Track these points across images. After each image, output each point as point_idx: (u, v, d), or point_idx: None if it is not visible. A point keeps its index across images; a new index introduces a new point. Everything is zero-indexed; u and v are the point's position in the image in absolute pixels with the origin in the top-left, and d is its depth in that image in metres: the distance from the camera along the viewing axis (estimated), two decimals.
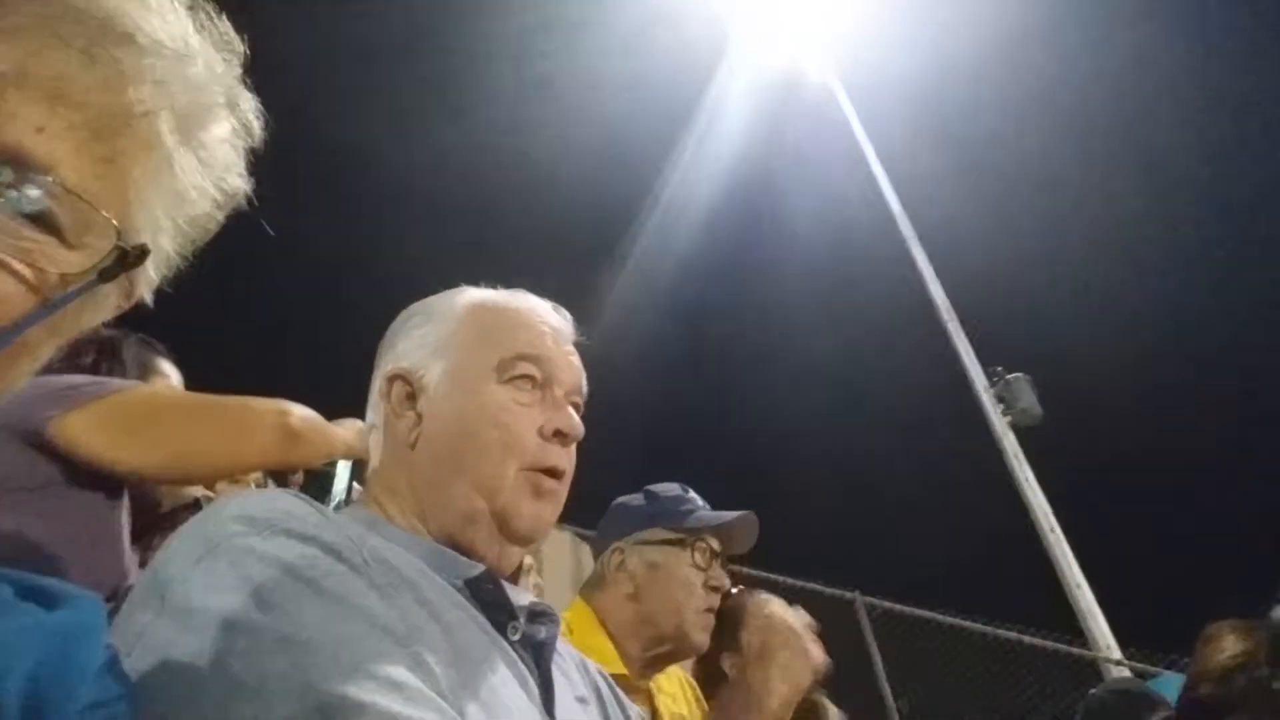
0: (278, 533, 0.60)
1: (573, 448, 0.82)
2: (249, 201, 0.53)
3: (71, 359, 1.14)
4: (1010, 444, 7.32)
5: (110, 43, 0.42)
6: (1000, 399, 7.62)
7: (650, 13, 11.89)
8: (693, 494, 1.52)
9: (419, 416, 0.80)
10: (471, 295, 0.87)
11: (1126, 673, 5.48)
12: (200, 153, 0.48)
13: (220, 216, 0.51)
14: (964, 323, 8.25)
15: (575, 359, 0.85)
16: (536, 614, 0.76)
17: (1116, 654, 5.77)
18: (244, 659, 0.52)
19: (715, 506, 1.53)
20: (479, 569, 0.74)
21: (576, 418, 0.82)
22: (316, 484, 1.25)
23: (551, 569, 5.21)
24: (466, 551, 0.77)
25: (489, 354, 0.80)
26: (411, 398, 0.81)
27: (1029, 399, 7.46)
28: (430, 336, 0.83)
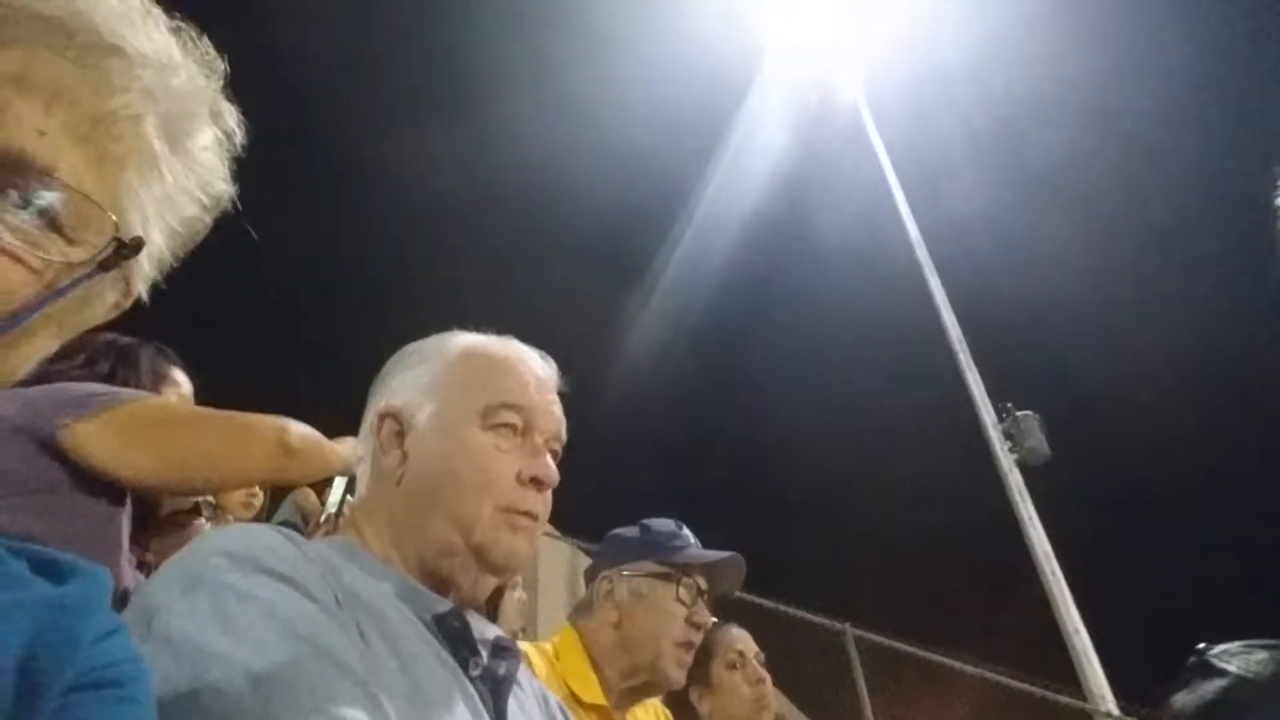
0: (258, 570, 0.64)
1: (548, 493, 0.86)
2: (234, 206, 0.56)
3: (89, 366, 1.19)
4: (1015, 481, 7.28)
5: (99, 54, 0.46)
6: (1008, 436, 7.58)
7: (683, 29, 11.98)
8: (686, 531, 1.55)
9: (405, 455, 0.84)
10: (462, 340, 0.91)
11: None
12: (186, 158, 0.51)
13: (208, 220, 0.54)
14: (977, 357, 8.22)
15: (557, 408, 0.89)
16: (499, 649, 0.80)
17: (1111, 706, 5.71)
18: (214, 690, 0.56)
19: (713, 529, 1.55)
20: (447, 605, 0.78)
21: (553, 466, 0.86)
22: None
23: (549, 579, 5.23)
24: (444, 582, 0.81)
25: (475, 399, 0.84)
26: (400, 435, 0.85)
27: (1037, 437, 7.41)
28: (423, 378, 0.87)
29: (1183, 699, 0.94)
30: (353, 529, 0.85)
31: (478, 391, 0.84)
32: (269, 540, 0.68)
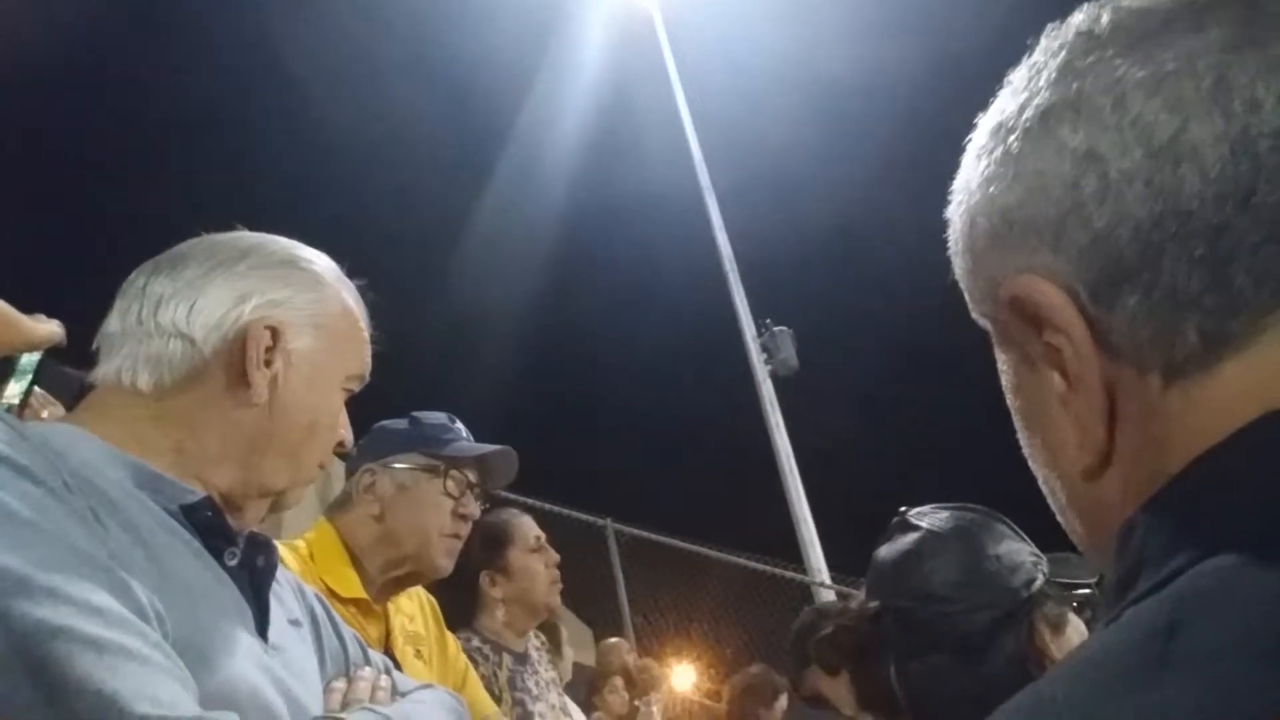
0: None
1: None
2: None
3: None
4: (767, 390, 8.01)
5: None
6: (764, 348, 8.27)
7: None
8: (459, 425, 1.51)
9: (273, 378, 0.76)
10: (346, 292, 0.85)
11: (833, 595, 6.35)
12: None
13: None
14: (745, 275, 8.80)
15: None
16: (254, 542, 0.76)
17: (825, 578, 6.65)
18: None
19: (485, 427, 1.54)
20: (197, 495, 0.71)
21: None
22: None
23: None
24: (235, 509, 0.76)
25: (345, 363, 0.83)
26: (269, 352, 0.76)
27: (789, 350, 8.17)
28: (309, 306, 0.79)
29: (884, 550, 1.12)
30: (99, 415, 0.72)
31: (349, 353, 0.84)
32: None
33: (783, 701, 3.33)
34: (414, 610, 1.55)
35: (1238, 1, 0.34)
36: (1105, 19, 0.37)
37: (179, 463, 0.72)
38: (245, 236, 0.82)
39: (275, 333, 0.76)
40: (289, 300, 0.78)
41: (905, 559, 1.07)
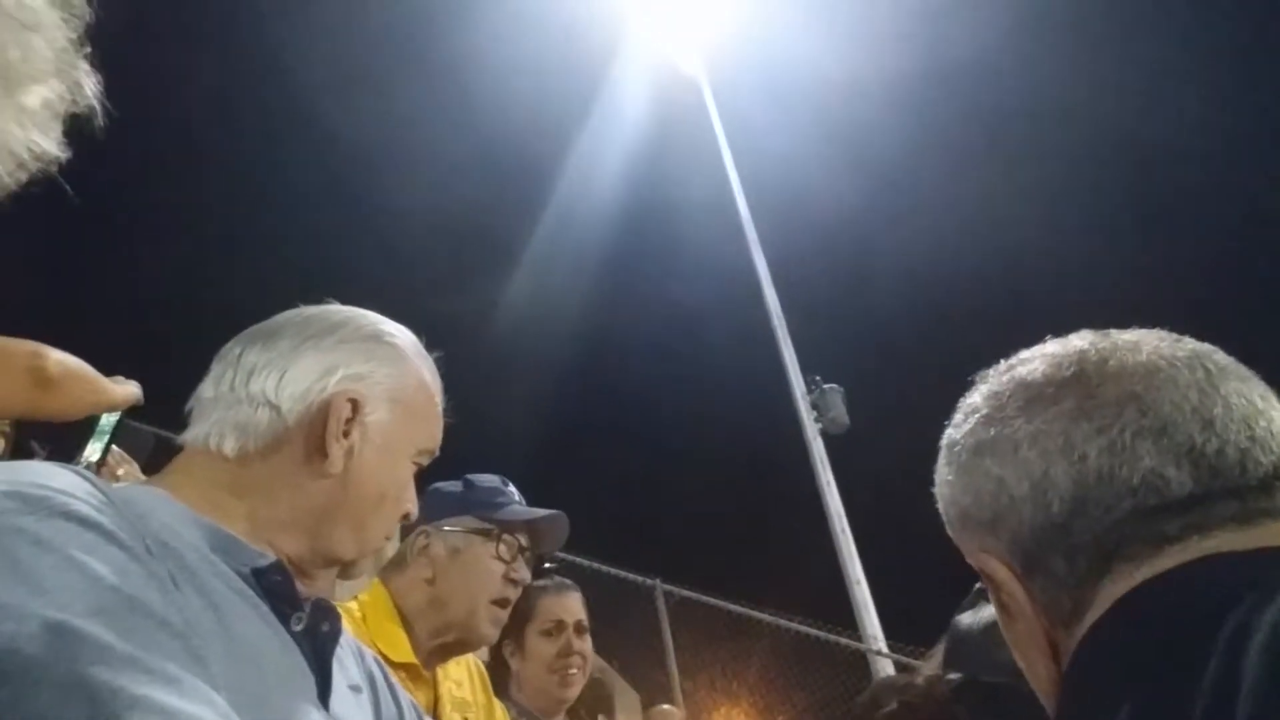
0: (54, 514, 0.57)
1: None
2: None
3: None
4: (818, 449, 7.88)
5: None
6: (814, 406, 8.16)
7: (541, 15, 11.78)
8: (511, 488, 1.52)
9: (351, 450, 0.78)
10: (424, 367, 0.87)
11: (890, 664, 6.09)
12: (18, 112, 0.50)
13: (23, 176, 0.53)
14: (792, 331, 8.75)
15: None
16: (319, 607, 0.77)
17: (882, 646, 6.39)
18: (7, 648, 0.49)
19: (534, 489, 1.54)
20: (269, 559, 0.73)
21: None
22: (74, 435, 1.12)
23: None
24: (304, 576, 0.78)
25: (416, 435, 0.84)
26: (348, 424, 0.78)
27: (839, 409, 8.05)
28: (389, 380, 0.82)
29: (967, 618, 1.07)
30: (184, 479, 0.75)
31: (422, 431, 0.85)
32: (65, 480, 0.60)
33: None
34: (462, 676, 1.54)
35: (1080, 383, 0.54)
36: (1007, 386, 0.58)
37: (251, 529, 0.74)
38: (338, 310, 0.85)
39: (355, 405, 0.78)
40: (371, 374, 0.80)
41: (995, 629, 1.03)
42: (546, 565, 2.86)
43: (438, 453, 0.87)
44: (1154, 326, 0.58)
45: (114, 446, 1.22)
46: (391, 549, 1.54)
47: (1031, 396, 0.55)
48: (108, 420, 1.20)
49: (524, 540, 1.47)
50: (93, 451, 1.20)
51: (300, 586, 0.76)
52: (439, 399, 0.88)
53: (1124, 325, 0.58)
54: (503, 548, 1.43)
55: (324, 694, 0.74)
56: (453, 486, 1.51)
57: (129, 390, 1.14)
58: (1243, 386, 0.52)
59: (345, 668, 0.82)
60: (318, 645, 0.75)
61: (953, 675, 1.06)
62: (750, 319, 9.31)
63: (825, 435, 7.95)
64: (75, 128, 0.54)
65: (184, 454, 0.78)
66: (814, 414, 8.05)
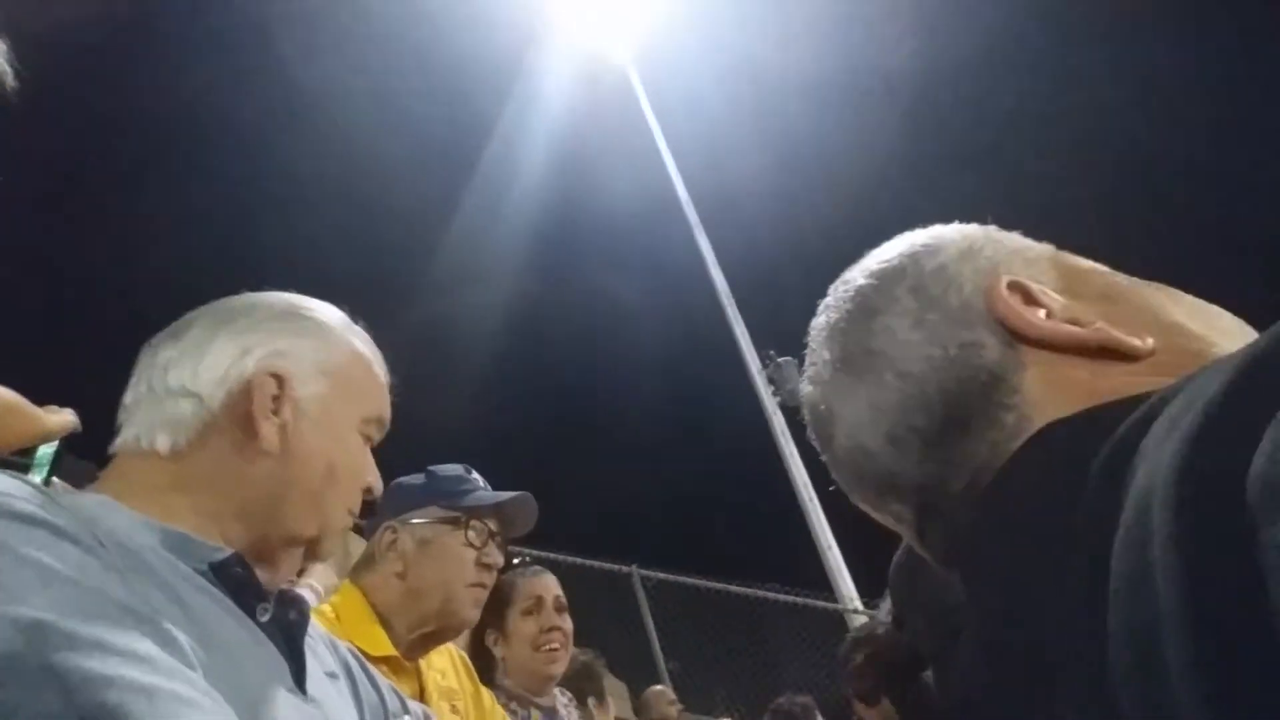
0: (1, 515, 0.57)
1: None
2: None
3: None
4: (778, 423, 7.99)
5: None
6: (771, 380, 8.27)
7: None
8: (475, 475, 1.52)
9: (282, 425, 0.77)
10: (354, 337, 0.86)
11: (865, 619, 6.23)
12: None
13: None
14: (742, 307, 8.84)
15: None
16: (287, 598, 0.77)
17: (857, 604, 6.54)
18: None
19: (502, 478, 1.54)
20: (226, 552, 0.72)
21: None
22: (11, 469, 1.10)
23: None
24: (268, 563, 0.77)
25: (360, 406, 0.84)
26: (276, 401, 0.77)
27: (795, 380, 8.13)
28: (318, 354, 0.81)
29: (896, 559, 1.11)
30: (121, 483, 0.74)
31: (365, 399, 0.84)
32: (5, 483, 0.60)
33: None
34: (446, 666, 1.55)
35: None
36: None
37: (201, 525, 0.73)
38: (248, 295, 0.84)
39: (281, 381, 0.77)
40: (292, 348, 0.79)
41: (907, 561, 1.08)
42: (517, 561, 2.87)
43: (388, 423, 0.87)
44: None
45: (55, 479, 1.20)
46: (355, 551, 1.53)
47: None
48: (45, 452, 1.17)
49: (493, 525, 1.47)
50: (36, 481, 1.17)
51: (264, 576, 0.75)
52: (379, 369, 0.87)
53: None
54: (471, 534, 1.43)
55: (299, 681, 0.73)
56: (415, 479, 1.51)
57: (65, 419, 1.11)
58: None
59: (319, 656, 0.82)
60: (287, 633, 0.75)
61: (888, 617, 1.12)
62: (699, 299, 9.38)
63: (785, 408, 8.06)
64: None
65: (117, 461, 0.76)
66: (771, 388, 8.16)
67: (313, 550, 0.81)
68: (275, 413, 0.76)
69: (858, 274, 0.57)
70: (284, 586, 0.79)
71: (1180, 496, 0.27)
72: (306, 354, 0.80)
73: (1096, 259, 0.56)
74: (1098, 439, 0.37)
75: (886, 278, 0.55)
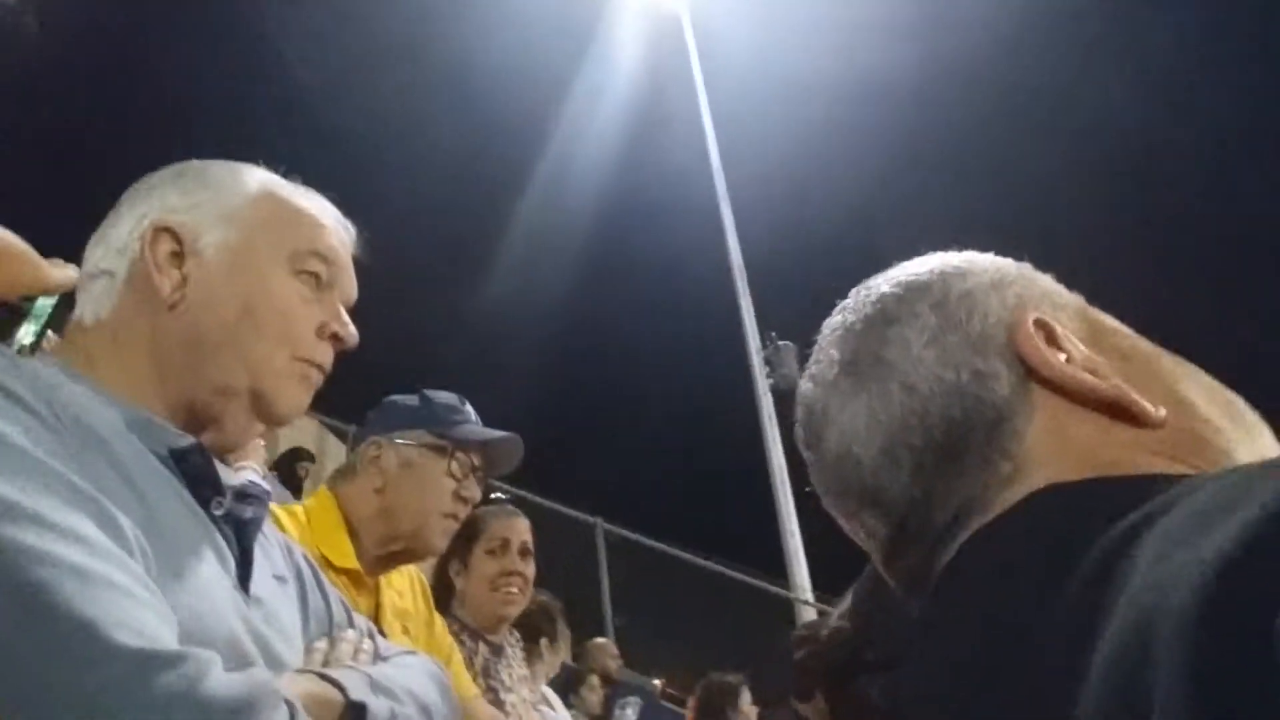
0: None
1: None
2: None
3: None
4: (767, 405, 8.01)
5: None
6: (767, 362, 8.27)
7: None
8: (469, 408, 1.51)
9: (184, 279, 0.76)
10: (265, 177, 0.83)
11: (814, 613, 6.33)
12: None
13: None
14: (753, 285, 8.80)
15: (353, 272, 0.87)
16: (244, 494, 0.76)
17: (808, 596, 6.64)
18: None
19: (491, 413, 1.53)
20: (188, 440, 0.72)
21: (353, 327, 0.83)
22: (7, 316, 1.08)
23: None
24: (206, 421, 0.75)
25: (284, 241, 0.80)
26: (178, 257, 0.76)
27: (791, 366, 8.16)
28: (210, 202, 0.78)
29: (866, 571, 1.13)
30: (78, 356, 0.74)
31: (288, 234, 0.80)
32: None
33: (742, 704, 3.37)
34: (404, 587, 1.55)
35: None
36: None
37: (133, 389, 0.72)
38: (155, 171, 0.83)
39: (175, 234, 0.76)
40: (185, 203, 0.78)
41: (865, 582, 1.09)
42: (494, 495, 2.88)
43: (330, 256, 0.82)
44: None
45: (49, 333, 1.18)
46: (331, 457, 1.52)
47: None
48: (43, 304, 1.16)
49: (477, 460, 1.47)
50: (26, 334, 1.16)
51: (211, 438, 0.75)
52: (306, 204, 0.83)
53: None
54: (455, 465, 1.43)
55: (244, 579, 0.73)
56: (410, 400, 1.50)
57: (68, 274, 1.10)
58: None
59: (271, 558, 0.81)
60: (239, 530, 0.74)
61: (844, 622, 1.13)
62: (710, 271, 9.32)
63: (775, 391, 8.08)
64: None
65: (67, 333, 0.79)
66: (766, 369, 8.16)
67: (261, 409, 0.77)
68: (179, 267, 0.76)
69: (882, 282, 0.56)
70: (243, 482, 0.78)
71: (1203, 627, 0.26)
72: (204, 204, 0.78)
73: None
74: (1095, 521, 0.36)
75: (912, 290, 0.54)
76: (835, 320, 0.57)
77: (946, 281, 0.53)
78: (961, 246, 0.58)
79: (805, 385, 0.57)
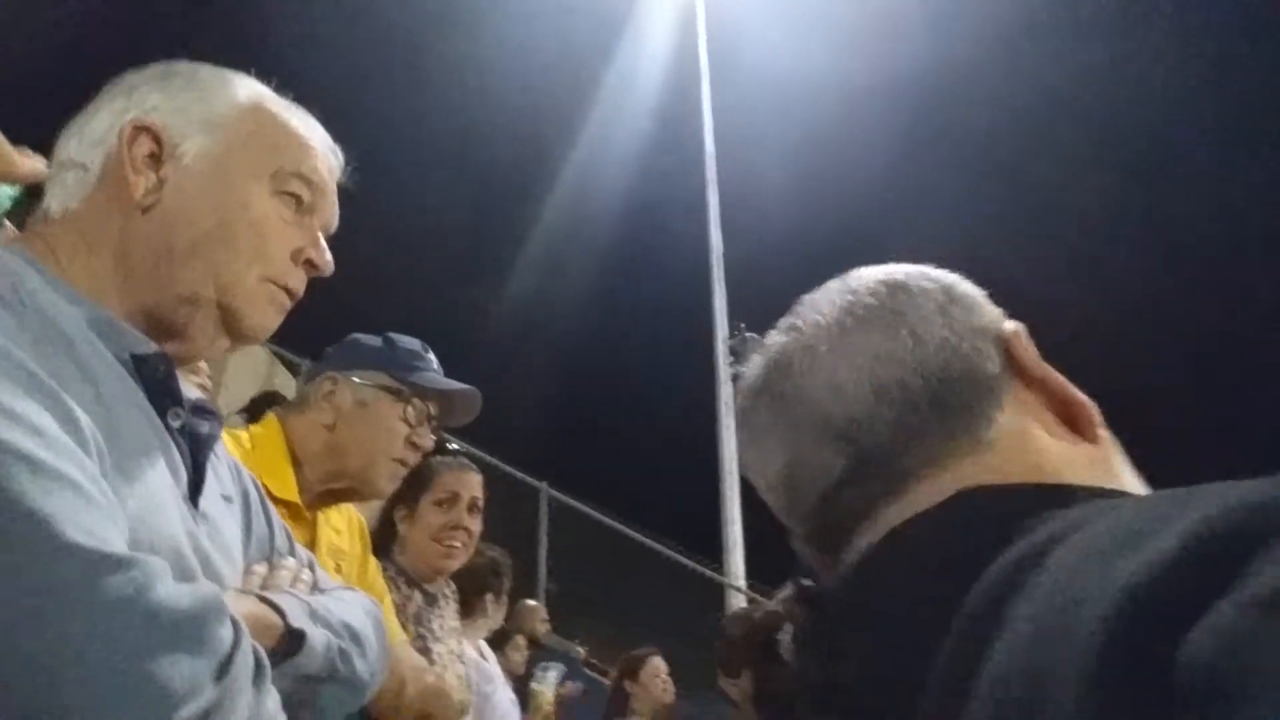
0: None
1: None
2: None
3: None
4: (725, 394, 8.07)
5: None
6: (733, 352, 8.32)
7: None
8: (431, 356, 1.49)
9: (161, 182, 0.73)
10: (257, 89, 0.81)
11: (744, 600, 6.45)
12: None
13: None
14: (730, 274, 8.82)
15: (336, 199, 0.85)
16: (200, 409, 0.75)
17: (740, 583, 6.76)
18: None
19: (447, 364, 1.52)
20: (151, 347, 0.70)
21: (329, 255, 0.82)
22: None
23: (238, 380, 4.86)
24: (169, 330, 0.74)
25: (268, 158, 0.77)
26: (155, 158, 0.74)
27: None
28: (196, 107, 0.76)
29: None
30: (44, 248, 0.71)
31: (272, 151, 0.78)
32: None
33: (653, 670, 3.46)
34: (342, 525, 1.54)
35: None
36: None
37: (96, 287, 0.70)
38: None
39: (154, 135, 0.74)
40: (169, 104, 0.76)
41: None
42: (450, 446, 2.85)
43: (314, 179, 0.80)
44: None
45: (7, 222, 1.14)
46: (281, 388, 1.50)
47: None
48: (6, 193, 1.12)
49: (433, 409, 1.46)
50: None
51: (176, 348, 0.74)
52: (294, 122, 0.81)
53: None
54: (410, 410, 1.42)
55: (193, 494, 0.72)
56: (372, 340, 1.48)
57: (34, 165, 1.06)
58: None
59: (220, 477, 0.80)
60: (194, 444, 0.73)
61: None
62: (689, 254, 9.31)
63: (735, 381, 8.12)
64: None
65: (30, 226, 0.76)
66: (731, 359, 8.22)
67: (229, 323, 0.76)
68: (157, 169, 0.74)
69: (881, 271, 0.59)
70: (199, 397, 0.77)
71: (1105, 661, 0.27)
72: (189, 108, 0.76)
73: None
74: (1015, 525, 0.40)
75: (917, 277, 0.57)
76: (831, 291, 0.58)
77: (948, 281, 0.57)
78: (963, 247, 0.60)
79: (775, 338, 0.58)
